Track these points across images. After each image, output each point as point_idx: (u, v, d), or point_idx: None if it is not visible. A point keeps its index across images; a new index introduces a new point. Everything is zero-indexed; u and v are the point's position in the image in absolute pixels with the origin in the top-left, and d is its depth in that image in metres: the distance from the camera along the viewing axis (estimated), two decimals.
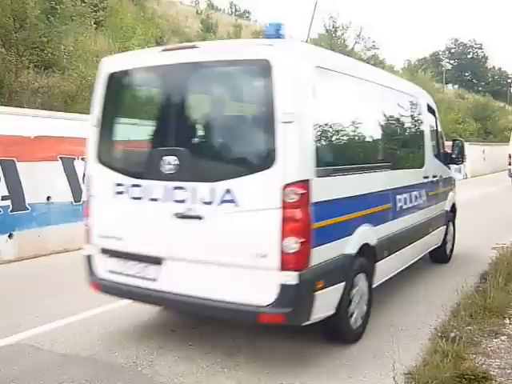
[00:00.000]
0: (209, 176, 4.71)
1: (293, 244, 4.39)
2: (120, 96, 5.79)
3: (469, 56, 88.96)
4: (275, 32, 4.77)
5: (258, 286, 4.51)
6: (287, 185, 4.39)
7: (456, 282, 6.76)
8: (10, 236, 9.03)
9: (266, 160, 4.49)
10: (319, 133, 4.86)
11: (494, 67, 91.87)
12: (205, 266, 4.72)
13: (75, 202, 10.08)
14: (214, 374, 4.64)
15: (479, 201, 18.36)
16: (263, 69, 4.53)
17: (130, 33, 18.12)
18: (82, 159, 10.14)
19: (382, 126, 6.30)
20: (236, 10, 66.95)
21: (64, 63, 14.37)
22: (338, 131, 5.42)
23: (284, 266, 4.40)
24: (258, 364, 4.83)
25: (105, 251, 5.35)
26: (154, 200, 4.95)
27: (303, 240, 4.43)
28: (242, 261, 4.53)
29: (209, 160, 4.98)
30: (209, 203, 4.64)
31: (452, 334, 5.12)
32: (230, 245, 4.60)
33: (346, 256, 5.05)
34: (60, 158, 9.90)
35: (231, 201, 4.56)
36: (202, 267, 4.74)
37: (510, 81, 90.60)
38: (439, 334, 5.22)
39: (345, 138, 5.61)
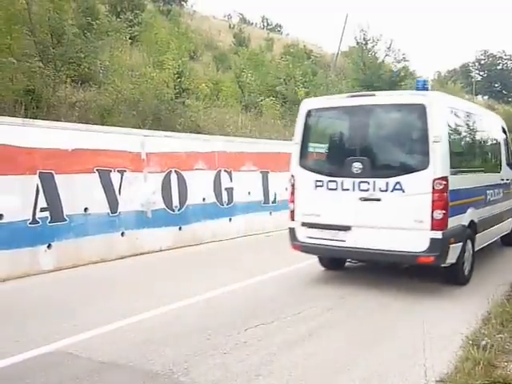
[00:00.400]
0: (384, 174, 7.46)
1: (438, 214, 7.07)
2: (314, 124, 8.76)
3: (498, 67, 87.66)
4: (422, 86, 7.83)
5: (416, 240, 7.16)
6: (436, 179, 7.13)
7: (486, 290, 6.78)
8: (49, 247, 9.18)
9: (423, 164, 7.24)
10: (451, 148, 7.49)
11: None
12: (380, 229, 7.44)
13: (112, 213, 10.25)
14: (248, 381, 4.68)
15: None
16: (420, 109, 7.30)
17: (165, 47, 18.31)
18: (118, 171, 10.39)
19: (480, 143, 9.61)
20: (268, 24, 66.90)
21: (100, 78, 14.60)
22: (459, 147, 8.37)
23: (433, 227, 7.07)
24: (292, 372, 4.85)
25: (304, 224, 8.16)
26: (346, 190, 7.73)
27: (444, 212, 7.11)
28: (406, 225, 7.24)
29: (383, 165, 7.79)
30: (384, 191, 7.40)
31: (483, 342, 5.12)
32: (398, 216, 7.31)
33: (462, 226, 7.71)
34: (97, 170, 10.06)
35: (400, 189, 7.31)
36: (378, 230, 7.45)
37: None
38: (470, 342, 5.21)
39: (462, 151, 8.57)
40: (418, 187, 7.23)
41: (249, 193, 13.68)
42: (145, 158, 11.06)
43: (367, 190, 7.53)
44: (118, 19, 16.88)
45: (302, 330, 5.98)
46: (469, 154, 9.01)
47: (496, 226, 9.70)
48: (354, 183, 7.63)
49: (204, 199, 12.34)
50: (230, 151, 13.31)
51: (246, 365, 4.99)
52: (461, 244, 7.58)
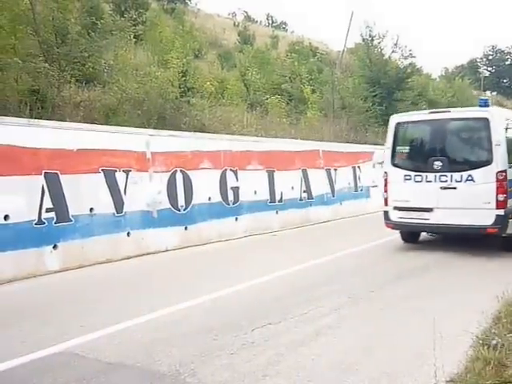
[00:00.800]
0: (459, 169, 10.13)
1: (501, 197, 9.69)
2: (402, 134, 11.26)
3: (507, 63, 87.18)
4: (484, 103, 10.39)
5: (485, 216, 9.77)
6: (498, 171, 9.75)
7: (496, 289, 6.66)
8: (55, 247, 9.19)
9: (488, 161, 9.90)
10: (506, 149, 9.94)
11: None
12: (456, 210, 10.05)
13: (117, 213, 10.24)
14: (256, 381, 4.65)
15: None
16: (485, 121, 9.96)
17: (169, 46, 18.29)
18: (124, 171, 10.38)
19: None
20: (273, 22, 66.72)
21: (105, 77, 14.57)
22: (509, 148, 10.14)
23: (497, 207, 9.69)
24: (300, 372, 4.81)
25: (396, 208, 10.91)
26: (429, 181, 10.42)
27: (505, 195, 9.72)
28: (477, 206, 9.84)
29: (458, 162, 10.43)
30: (459, 181, 10.06)
31: (494, 342, 5.06)
32: (470, 199, 9.87)
33: None
34: (102, 170, 10.06)
35: (471, 180, 9.99)
36: (455, 210, 10.08)
37: None
38: (481, 342, 5.16)
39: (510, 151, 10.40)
40: (485, 178, 9.92)
41: (255, 192, 13.64)
42: (150, 158, 11.05)
43: (446, 181, 10.26)
44: (122, 18, 16.73)
45: (310, 329, 5.94)
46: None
47: None
48: (435, 176, 10.37)
49: (210, 198, 12.31)
50: (236, 150, 13.29)
51: (253, 365, 4.96)
52: None
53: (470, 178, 10.04)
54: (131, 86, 14.00)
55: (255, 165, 13.78)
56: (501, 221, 9.75)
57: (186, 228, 11.64)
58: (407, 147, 11.44)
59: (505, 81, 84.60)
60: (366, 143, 20.85)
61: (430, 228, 10.88)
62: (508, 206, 9.79)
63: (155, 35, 20.84)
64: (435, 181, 10.34)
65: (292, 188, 14.98)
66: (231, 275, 8.67)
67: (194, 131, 13.53)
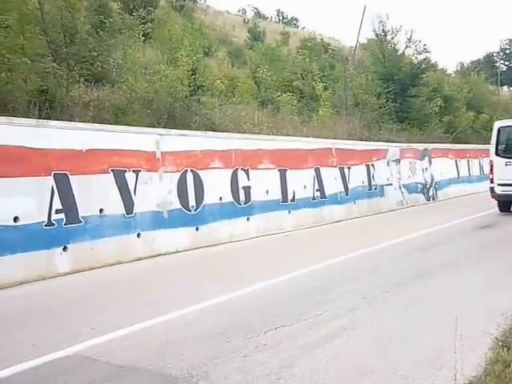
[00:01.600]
0: None
1: None
2: (502, 134, 15.74)
3: None
4: None
5: None
6: None
7: None
8: (65, 249, 9.14)
9: None
10: None
11: None
12: None
13: (127, 214, 10.17)
14: None
15: None
16: None
17: (178, 44, 18.16)
18: (134, 171, 10.30)
19: None
20: (283, 18, 66.79)
21: (113, 76, 14.51)
22: None
23: None
24: (314, 375, 4.73)
25: (499, 184, 15.10)
26: None
27: None
28: None
29: None
30: None
31: None
32: None
33: None
34: (111, 170, 9.99)
35: None
36: None
37: None
38: (500, 344, 5.07)
39: None
40: None
41: (267, 191, 13.53)
42: (160, 158, 10.97)
43: None
44: (131, 16, 16.69)
45: (324, 331, 5.86)
46: None
47: None
48: None
49: (221, 198, 12.22)
50: (247, 149, 13.19)
51: (266, 368, 4.88)
52: None
53: None
54: (140, 85, 13.93)
55: (267, 164, 13.67)
56: None
57: (197, 229, 11.54)
58: (506, 143, 16.35)
59: None
60: (379, 141, 20.67)
61: None
62: None
63: (164, 33, 20.76)
64: None
65: (304, 187, 14.86)
66: (243, 276, 8.59)
67: (205, 130, 13.43)
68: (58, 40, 12.75)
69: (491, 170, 16.15)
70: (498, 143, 16.19)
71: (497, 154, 16.05)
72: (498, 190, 15.56)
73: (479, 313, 6.39)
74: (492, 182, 15.88)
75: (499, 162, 15.83)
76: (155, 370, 4.89)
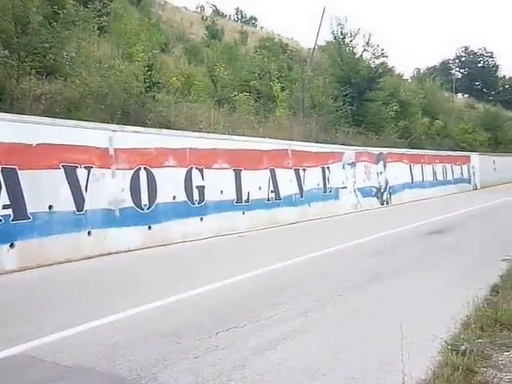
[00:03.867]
0: None
1: None
2: None
3: (479, 65, 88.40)
4: None
5: None
6: None
7: (466, 294, 6.68)
8: (12, 246, 8.92)
9: None
10: None
11: (504, 76, 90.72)
12: None
13: (78, 211, 9.97)
14: None
15: (490, 211, 18.41)
16: None
17: (134, 39, 17.92)
18: (85, 167, 10.10)
19: None
20: (242, 17, 66.63)
21: (66, 70, 14.18)
22: None
23: None
24: (265, 377, 4.69)
25: None
26: None
27: None
28: None
29: None
30: None
31: (462, 347, 5.00)
32: None
33: None
34: (62, 166, 9.76)
35: None
36: None
37: None
38: (449, 347, 5.10)
39: None
40: None
41: (221, 191, 13.45)
42: (113, 154, 10.78)
43: None
44: (86, 9, 16.31)
45: (276, 333, 5.81)
46: None
47: None
48: None
49: (174, 197, 12.08)
50: (202, 148, 13.07)
51: (217, 369, 4.81)
52: None
53: None
54: (94, 79, 13.65)
55: (222, 163, 13.58)
56: None
57: (149, 227, 11.39)
58: None
59: (477, 83, 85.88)
60: (335, 143, 20.82)
61: None
62: None
63: (120, 27, 20.37)
64: None
65: (259, 188, 14.83)
66: (196, 276, 8.51)
67: (160, 128, 13.25)
68: (8, 29, 12.39)
69: None
70: None
71: None
72: None
73: (429, 317, 6.41)
74: None
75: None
76: (103, 371, 4.79)
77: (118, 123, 12.07)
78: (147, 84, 15.50)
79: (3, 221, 8.78)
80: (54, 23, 13.20)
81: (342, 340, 5.68)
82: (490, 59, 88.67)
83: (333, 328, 6.11)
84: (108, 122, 11.96)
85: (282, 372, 4.82)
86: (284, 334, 5.78)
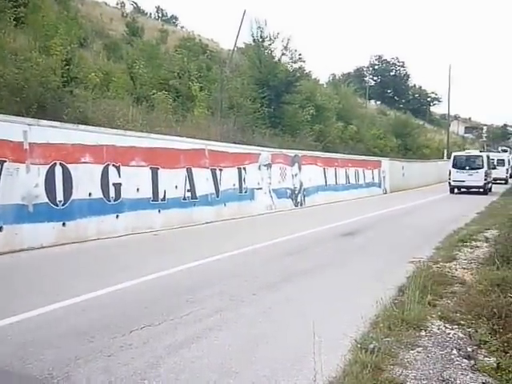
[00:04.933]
0: (475, 169, 31.91)
1: (485, 178, 31.74)
2: (454, 159, 32.81)
3: (391, 73, 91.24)
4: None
5: (480, 182, 31.63)
6: (485, 171, 31.96)
7: (375, 294, 6.92)
8: None
9: (481, 167, 31.73)
10: (487, 163, 32.52)
11: (414, 85, 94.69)
12: (474, 182, 31.22)
13: None
14: None
15: (400, 215, 19.01)
16: (481, 156, 32.42)
17: (52, 32, 17.49)
18: None
19: None
20: (163, 15, 66.08)
21: None
22: (488, 162, 33.75)
23: (483, 181, 31.83)
24: (179, 375, 4.76)
25: (452, 182, 31.93)
26: (464, 173, 31.29)
27: (486, 178, 31.74)
28: (480, 181, 31.40)
29: (475, 167, 31.87)
30: (476, 173, 31.73)
31: (371, 346, 5.22)
32: (478, 179, 31.49)
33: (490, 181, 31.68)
34: None
35: (477, 172, 31.63)
36: (475, 182, 31.09)
37: (429, 99, 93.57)
38: (359, 346, 5.30)
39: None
40: (478, 176, 30.66)
41: (137, 189, 13.38)
42: (27, 148, 10.54)
43: (471, 175, 30.65)
44: None
45: (190, 332, 5.88)
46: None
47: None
48: (466, 172, 30.69)
49: (90, 194, 11.94)
50: (119, 145, 12.95)
51: (131, 368, 4.84)
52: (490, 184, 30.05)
53: (477, 171, 30.69)
54: (9, 71, 13.26)
55: (139, 161, 13.51)
56: (484, 185, 30.67)
57: (63, 224, 11.20)
58: (456, 164, 31.18)
59: (389, 91, 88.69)
60: (252, 144, 20.98)
61: (465, 186, 31.24)
62: (486, 182, 30.93)
63: (38, 19, 19.80)
64: (466, 173, 30.67)
65: (176, 187, 14.82)
66: (110, 274, 8.44)
67: (77, 123, 13.02)
68: None
69: (449, 174, 31.59)
70: (452, 164, 31.64)
71: (452, 167, 31.54)
72: (452, 183, 31.63)
73: (340, 316, 6.64)
74: (449, 179, 31.63)
75: (454, 170, 31.41)
76: (13, 371, 4.73)
77: (33, 117, 11.78)
78: (65, 78, 15.18)
79: None
80: None
81: (256, 339, 5.80)
82: (402, 68, 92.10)
83: (247, 327, 6.22)
84: (23, 116, 11.66)
85: (196, 370, 4.89)
86: (198, 333, 5.85)
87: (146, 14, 59.36)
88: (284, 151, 22.25)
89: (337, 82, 54.50)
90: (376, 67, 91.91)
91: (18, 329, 5.83)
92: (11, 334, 5.63)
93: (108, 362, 4.96)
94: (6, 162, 10.06)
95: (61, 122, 12.43)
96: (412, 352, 5.36)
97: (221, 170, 17.00)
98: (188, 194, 15.31)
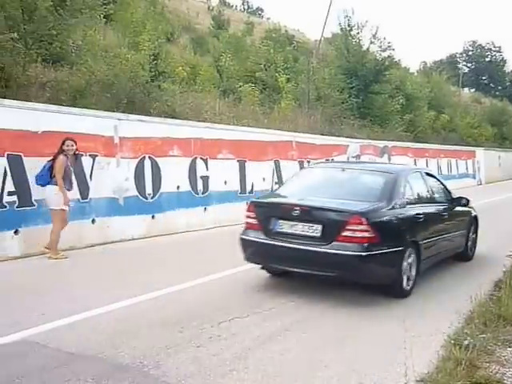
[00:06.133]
0: None
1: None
2: None
3: (487, 59, 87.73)
4: None
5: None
6: None
7: (470, 289, 6.74)
8: (16, 232, 8.93)
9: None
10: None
11: None
12: None
13: (82, 199, 10.00)
14: (222, 376, 4.54)
15: (495, 207, 18.29)
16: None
17: (140, 28, 17.86)
18: (90, 156, 10.08)
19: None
20: (248, 7, 66.59)
21: (72, 57, 14.13)
22: None
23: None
24: (267, 367, 4.72)
25: None
26: None
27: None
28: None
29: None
30: None
31: (466, 342, 5.06)
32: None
33: None
34: None
35: None
36: None
37: None
38: (452, 342, 5.13)
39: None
40: None
41: (225, 182, 13.45)
42: (118, 143, 10.77)
43: None
44: None
45: (278, 324, 5.84)
46: None
47: None
48: None
49: (178, 187, 12.09)
50: (207, 138, 13.04)
51: (219, 359, 4.85)
52: None
53: None
54: (100, 67, 13.61)
55: (226, 154, 13.57)
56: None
57: (153, 217, 11.40)
58: None
59: (484, 77, 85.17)
60: (340, 136, 20.73)
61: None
62: None
63: (126, 16, 20.35)
64: None
65: (263, 179, 14.82)
66: (199, 266, 8.48)
67: (165, 117, 13.23)
68: (15, 16, 12.31)
69: None
70: None
71: None
72: None
73: (433, 311, 6.43)
74: None
75: None
76: (106, 358, 4.81)
77: (123, 112, 12.04)
78: (153, 73, 15.45)
79: (8, 207, 8.80)
80: (61, 10, 13.12)
81: (345, 332, 5.71)
82: (498, 54, 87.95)
83: (335, 319, 6.12)
84: (113, 111, 11.92)
85: (284, 362, 4.84)
86: (286, 325, 5.80)
87: (232, 6, 59.94)
88: (373, 142, 21.90)
89: (428, 69, 52.94)
90: (470, 53, 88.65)
91: (110, 318, 5.96)
92: (104, 323, 5.75)
93: (197, 353, 4.98)
94: (97, 156, 10.30)
95: (149, 116, 12.66)
96: (510, 349, 5.12)
97: (308, 161, 16.82)
98: (276, 187, 15.24)
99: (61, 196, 8.89)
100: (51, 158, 9.00)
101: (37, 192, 9.10)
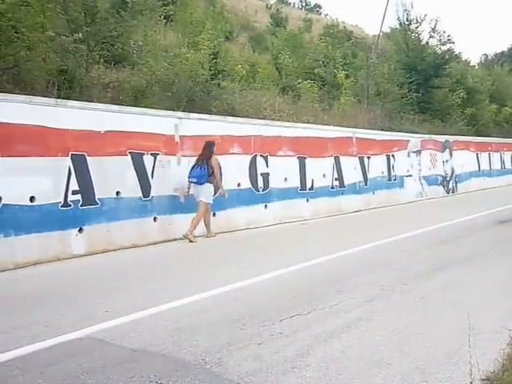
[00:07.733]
0: None
1: None
2: None
3: None
4: None
5: None
6: None
7: None
8: (80, 230, 9.12)
9: None
10: None
11: None
12: None
13: (144, 197, 10.12)
14: (284, 373, 4.46)
15: None
16: None
17: (200, 27, 17.99)
18: (151, 154, 10.22)
19: None
20: (306, 4, 66.10)
21: (134, 58, 14.36)
22: None
23: None
24: (329, 365, 4.62)
25: None
26: None
27: None
28: None
29: None
30: None
31: None
32: None
33: None
34: (129, 152, 9.92)
35: None
36: None
37: None
38: None
39: None
40: None
41: (285, 179, 13.43)
42: (178, 141, 10.89)
43: None
44: None
45: (340, 321, 5.74)
46: None
47: None
48: None
49: (239, 184, 12.14)
50: (267, 135, 13.06)
51: (281, 356, 4.78)
52: None
53: None
54: (161, 67, 13.77)
55: (286, 151, 13.56)
56: None
57: (214, 214, 11.45)
58: None
59: None
60: (400, 131, 20.44)
61: None
62: None
63: (186, 16, 20.52)
64: None
65: (323, 176, 14.74)
66: (259, 264, 8.48)
67: (225, 115, 13.29)
68: (78, 19, 12.58)
69: None
70: None
71: None
72: None
73: (498, 307, 6.24)
74: None
75: None
76: (168, 355, 4.82)
77: (183, 111, 12.16)
78: (212, 72, 15.54)
79: (72, 206, 9.00)
80: (122, 12, 13.36)
81: (407, 329, 5.56)
82: None
83: (398, 317, 5.98)
84: (174, 110, 12.06)
85: (346, 360, 4.74)
86: (348, 322, 5.70)
87: (290, 4, 59.75)
88: (434, 137, 21.52)
89: (489, 62, 51.50)
90: None
91: (171, 315, 5.97)
92: (167, 320, 5.77)
93: (259, 350, 4.93)
94: (158, 154, 10.43)
95: (209, 114, 12.75)
96: None
97: (369, 157, 16.69)
98: (336, 183, 15.17)
99: (212, 191, 10.79)
100: (200, 159, 10.69)
101: (100, 191, 9.26)
